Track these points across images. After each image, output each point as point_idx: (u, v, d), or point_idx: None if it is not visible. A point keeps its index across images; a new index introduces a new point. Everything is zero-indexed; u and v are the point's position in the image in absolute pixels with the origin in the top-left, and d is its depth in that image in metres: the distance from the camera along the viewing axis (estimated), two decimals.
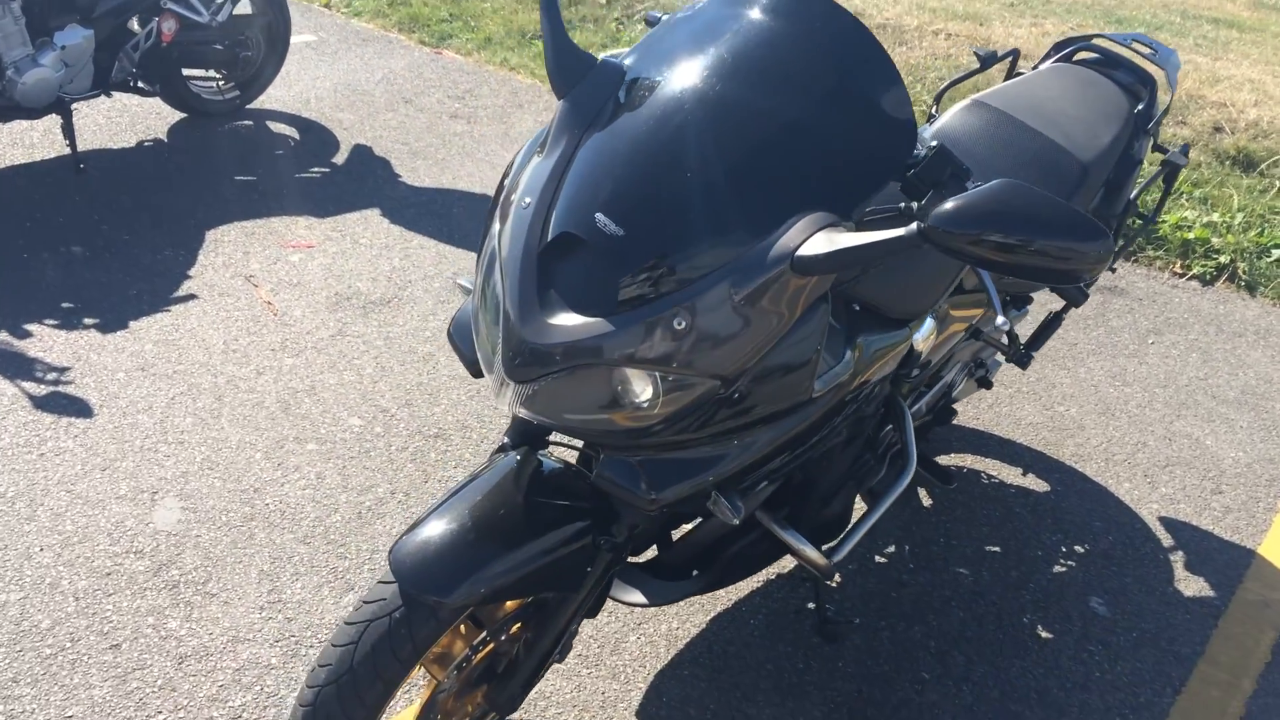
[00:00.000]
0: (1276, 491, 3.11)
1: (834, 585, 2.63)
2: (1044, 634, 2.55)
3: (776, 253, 1.47)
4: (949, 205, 1.31)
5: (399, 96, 5.50)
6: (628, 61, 1.73)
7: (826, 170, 1.55)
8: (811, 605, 2.57)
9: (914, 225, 1.35)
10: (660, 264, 1.50)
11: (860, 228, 1.60)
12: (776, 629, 2.50)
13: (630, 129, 1.60)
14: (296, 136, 4.93)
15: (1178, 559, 2.82)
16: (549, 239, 1.56)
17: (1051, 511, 2.96)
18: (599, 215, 1.53)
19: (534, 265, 1.55)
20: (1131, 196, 2.63)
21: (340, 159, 4.74)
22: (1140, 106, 2.67)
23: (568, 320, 1.51)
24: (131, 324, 3.43)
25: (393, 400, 3.18)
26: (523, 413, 1.62)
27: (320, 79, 5.62)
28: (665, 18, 2.05)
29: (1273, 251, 4.41)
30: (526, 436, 1.92)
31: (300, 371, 3.28)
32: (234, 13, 4.72)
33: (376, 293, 3.72)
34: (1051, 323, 2.69)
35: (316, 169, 4.63)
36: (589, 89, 1.68)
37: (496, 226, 1.67)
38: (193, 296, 3.61)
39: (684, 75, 1.63)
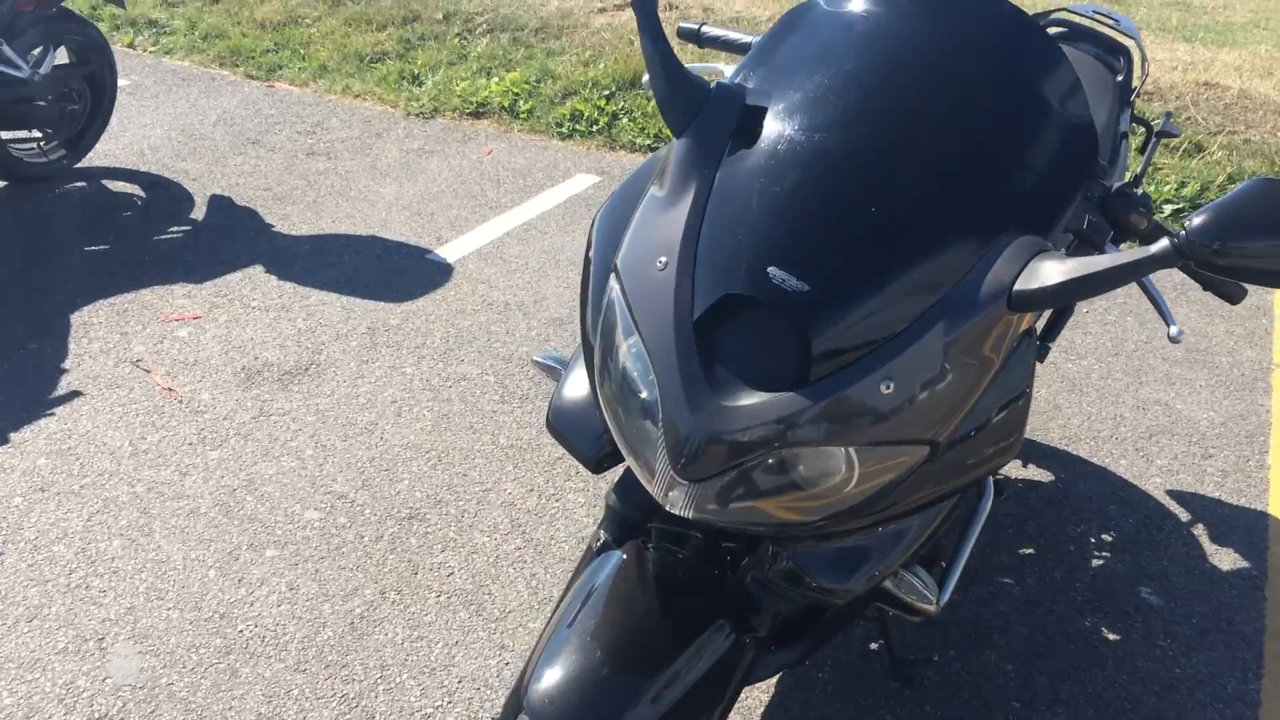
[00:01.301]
0: (1259, 446, 3.11)
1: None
2: (1111, 636, 2.44)
3: (989, 289, 1.26)
4: (1206, 216, 1.13)
5: (243, 138, 5.02)
6: (745, 83, 1.48)
7: (1018, 186, 1.35)
8: (874, 647, 2.38)
9: (1166, 242, 1.16)
10: (856, 319, 1.26)
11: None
12: (848, 681, 2.29)
13: (780, 163, 1.36)
14: (142, 194, 4.41)
15: (1201, 533, 2.77)
16: (705, 304, 1.30)
17: (1067, 501, 2.86)
18: (773, 270, 1.28)
19: (692, 339, 1.29)
20: (1138, 171, 2.55)
21: (199, 214, 4.26)
22: (1119, 78, 2.59)
23: (749, 401, 1.26)
24: (13, 436, 2.93)
25: (347, 483, 2.81)
26: (693, 515, 1.35)
27: (149, 127, 5.08)
28: (747, 38, 1.82)
29: (1164, 208, 4.50)
30: (627, 528, 1.66)
31: (230, 465, 2.86)
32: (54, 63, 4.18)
33: (289, 361, 3.31)
34: (1062, 313, 2.58)
35: (175, 229, 4.14)
36: (710, 121, 1.42)
37: (615, 291, 1.40)
38: (77, 394, 3.12)
39: (827, 93, 1.40)
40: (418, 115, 5.35)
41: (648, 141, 4.98)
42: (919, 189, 1.32)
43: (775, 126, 1.39)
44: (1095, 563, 2.67)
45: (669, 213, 1.38)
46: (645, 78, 1.83)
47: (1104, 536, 2.76)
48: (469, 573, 2.53)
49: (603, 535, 1.66)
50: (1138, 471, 3.00)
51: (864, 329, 1.26)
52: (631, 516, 1.65)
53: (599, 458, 1.58)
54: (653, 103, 5.21)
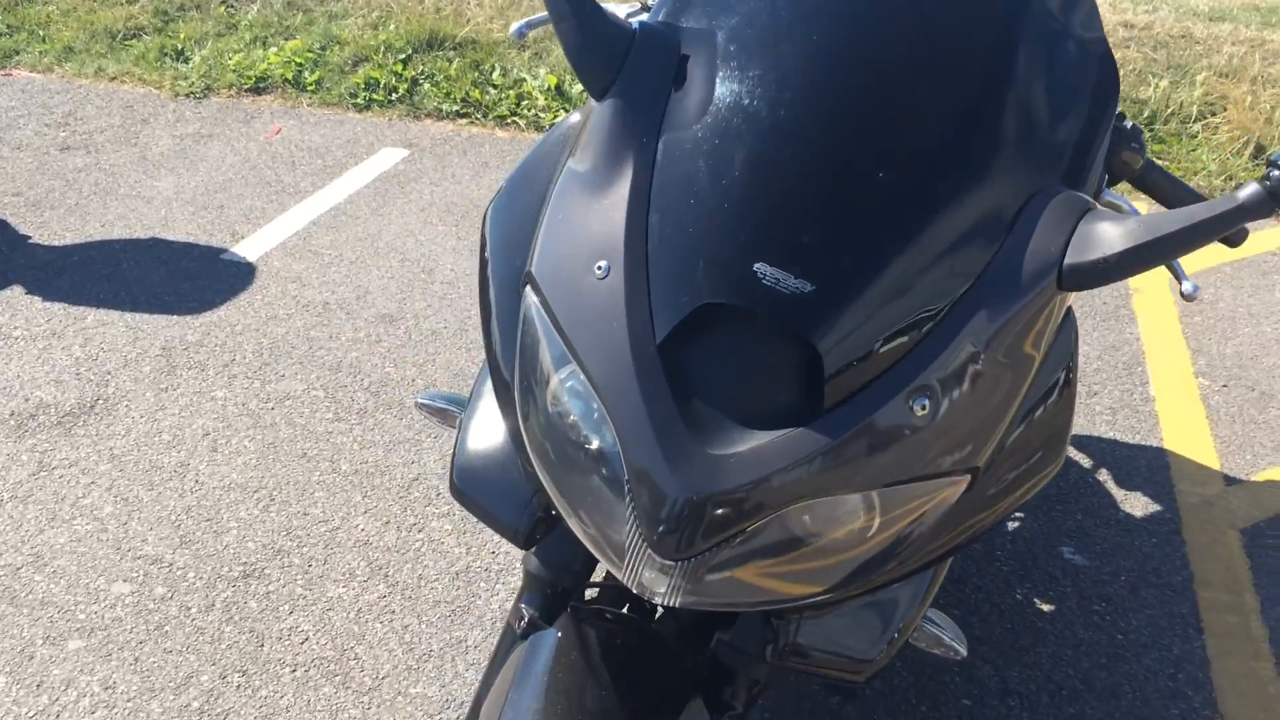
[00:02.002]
0: (1139, 378, 3.01)
1: None
2: (1045, 607, 2.26)
3: (1033, 266, 0.98)
4: None
5: None
6: (676, 21, 1.13)
7: (1046, 127, 1.07)
8: None
9: (1256, 187, 0.91)
10: (874, 322, 0.96)
11: None
12: (784, 701, 2.02)
13: (745, 125, 1.03)
14: None
15: (1106, 478, 2.64)
16: (670, 322, 0.97)
17: None
18: (761, 267, 0.96)
19: (658, 368, 0.96)
20: None
21: None
22: None
23: (746, 445, 0.94)
24: None
25: (161, 543, 2.34)
26: (680, 602, 1.02)
27: None
28: None
29: None
30: (555, 599, 1.31)
31: (9, 538, 2.34)
32: None
33: (68, 399, 2.78)
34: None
35: None
36: (639, 75, 1.08)
37: (534, 307, 1.04)
38: None
39: (790, 24, 1.07)
40: (188, 95, 4.74)
41: (455, 107, 4.55)
42: (931, 141, 1.02)
43: (730, 76, 1.06)
44: (1011, 525, 2.49)
45: (599, 200, 1.04)
46: (515, 27, 1.46)
47: None
48: (327, 635, 2.13)
49: (525, 611, 1.31)
50: None
51: (885, 334, 0.96)
52: (561, 583, 1.30)
53: (530, 528, 1.22)
54: (456, 63, 4.77)
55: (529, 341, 1.05)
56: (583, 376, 0.99)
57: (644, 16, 1.20)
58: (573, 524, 1.06)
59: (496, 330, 1.12)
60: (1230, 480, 2.62)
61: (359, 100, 4.65)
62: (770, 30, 1.07)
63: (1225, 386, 2.96)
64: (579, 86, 4.60)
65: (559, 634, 1.24)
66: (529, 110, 4.50)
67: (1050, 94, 1.08)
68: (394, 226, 3.64)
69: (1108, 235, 0.96)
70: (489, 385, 1.30)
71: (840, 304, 0.95)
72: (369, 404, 2.77)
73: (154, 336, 3.03)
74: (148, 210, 3.75)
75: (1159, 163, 4.18)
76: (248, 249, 3.50)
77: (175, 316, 3.13)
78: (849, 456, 0.94)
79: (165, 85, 4.82)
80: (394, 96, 4.65)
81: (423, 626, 2.15)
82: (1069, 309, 1.11)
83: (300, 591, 2.23)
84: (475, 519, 2.39)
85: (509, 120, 4.48)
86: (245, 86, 4.79)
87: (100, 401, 2.77)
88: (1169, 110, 4.46)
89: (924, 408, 0.95)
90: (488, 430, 1.27)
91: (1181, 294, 1.27)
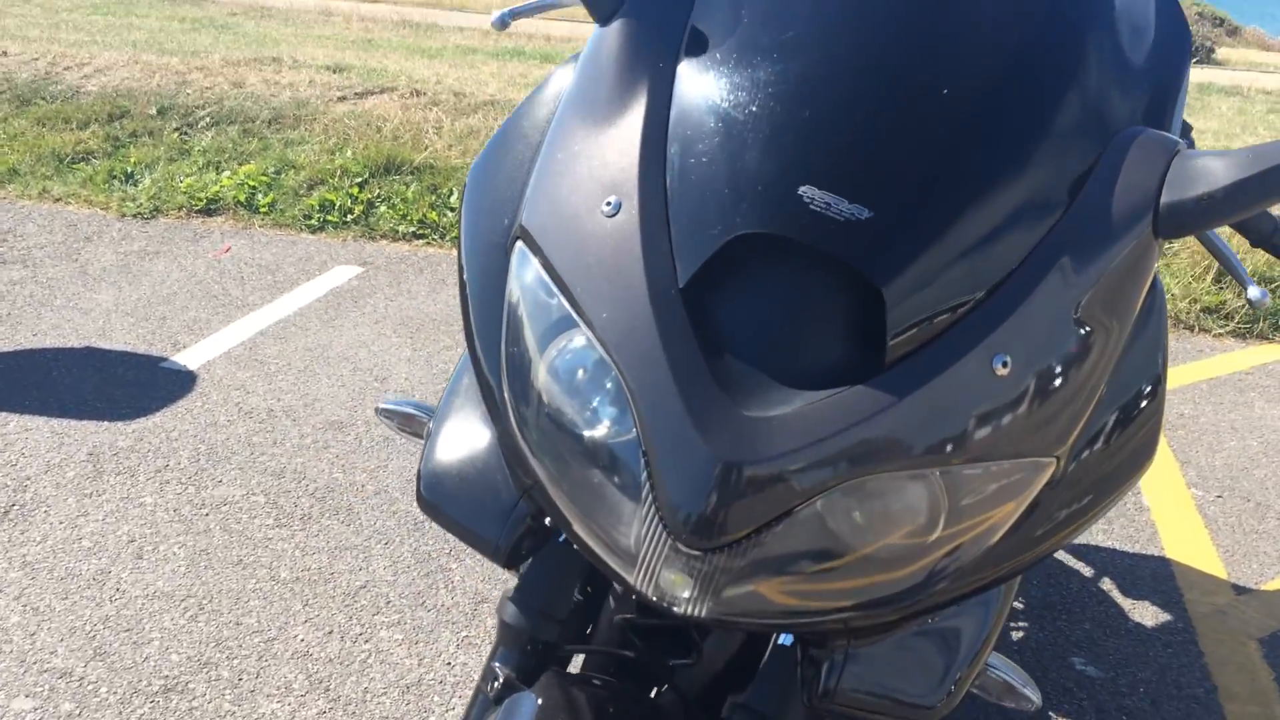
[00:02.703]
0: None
1: None
2: None
3: (1125, 205, 0.84)
4: None
5: None
6: None
7: (1128, 65, 0.95)
8: None
9: None
10: (943, 260, 0.81)
11: None
12: None
13: (785, 41, 0.90)
14: None
15: (1110, 587, 2.46)
16: (697, 260, 0.81)
17: None
18: (807, 190, 0.81)
19: (682, 315, 0.79)
20: None
21: None
22: None
23: (788, 407, 0.77)
24: None
25: (72, 655, 2.07)
26: (706, 613, 0.82)
27: None
28: None
29: None
30: (536, 656, 1.10)
31: None
32: None
33: None
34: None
35: None
36: None
37: (529, 265, 0.88)
38: None
39: None
40: (135, 216, 4.60)
41: (412, 229, 4.45)
42: (1003, 54, 0.89)
43: None
44: (1016, 635, 2.29)
45: (606, 131, 0.89)
46: (497, 15, 1.33)
47: (1014, 605, 2.40)
48: None
49: (499, 671, 1.09)
50: None
51: (957, 275, 0.81)
52: (542, 635, 1.10)
53: (514, 542, 1.02)
54: (414, 187, 4.70)
55: (519, 311, 0.88)
56: (589, 337, 0.82)
57: None
58: (576, 528, 0.87)
59: (477, 307, 0.95)
60: (1240, 590, 2.46)
61: (313, 221, 4.54)
62: None
63: (1220, 497, 2.83)
64: None
65: (539, 700, 1.02)
66: None
67: (1126, 26, 0.96)
68: (345, 338, 3.47)
69: (1210, 169, 0.82)
70: (464, 383, 1.13)
71: (904, 234, 0.80)
72: (313, 509, 2.54)
73: (81, 442, 2.80)
74: (84, 321, 3.55)
75: None
76: (189, 358, 3.30)
77: (106, 422, 2.90)
78: (915, 423, 0.77)
79: (112, 206, 4.68)
80: (349, 218, 4.55)
81: None
82: (1156, 275, 0.97)
83: (228, 708, 1.96)
84: (426, 628, 2.16)
85: None
86: (196, 208, 4.67)
87: (15, 507, 2.52)
88: None
89: (1005, 366, 0.79)
90: (464, 432, 1.08)
91: (1248, 299, 1.15)
